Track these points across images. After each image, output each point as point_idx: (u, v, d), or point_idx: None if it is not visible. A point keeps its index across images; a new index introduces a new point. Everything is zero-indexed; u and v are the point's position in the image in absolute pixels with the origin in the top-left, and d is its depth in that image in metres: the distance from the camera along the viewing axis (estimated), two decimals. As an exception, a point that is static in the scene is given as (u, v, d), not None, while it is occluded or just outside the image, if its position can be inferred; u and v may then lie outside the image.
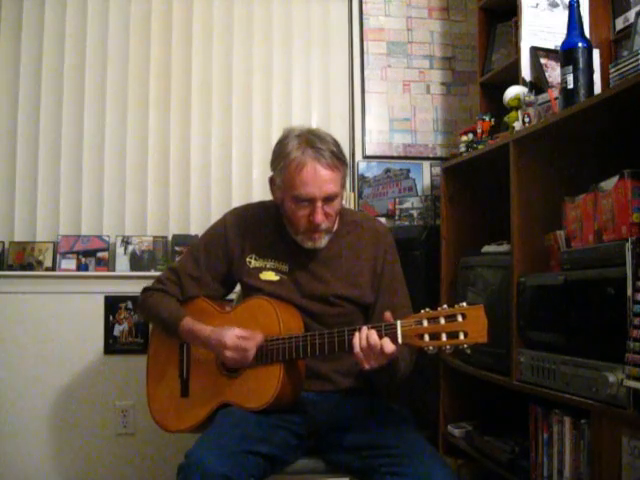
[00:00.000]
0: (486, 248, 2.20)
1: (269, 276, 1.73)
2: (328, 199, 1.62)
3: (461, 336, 1.36)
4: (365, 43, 2.90)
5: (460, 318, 1.37)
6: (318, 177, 1.59)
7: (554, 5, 2.21)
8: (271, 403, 1.58)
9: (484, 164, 2.25)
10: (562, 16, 2.04)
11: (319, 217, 1.62)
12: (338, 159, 1.63)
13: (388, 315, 1.47)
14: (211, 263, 1.78)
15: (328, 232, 1.69)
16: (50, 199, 2.66)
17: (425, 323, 1.40)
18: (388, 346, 1.42)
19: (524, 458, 1.85)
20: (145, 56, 2.75)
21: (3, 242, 2.61)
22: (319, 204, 1.61)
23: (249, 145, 2.81)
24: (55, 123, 2.68)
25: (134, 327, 2.64)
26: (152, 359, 1.84)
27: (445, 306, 1.40)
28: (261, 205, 1.86)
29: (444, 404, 2.36)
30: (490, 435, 2.09)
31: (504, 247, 2.07)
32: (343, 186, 1.69)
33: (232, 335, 1.59)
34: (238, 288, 1.91)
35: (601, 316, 1.50)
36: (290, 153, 1.62)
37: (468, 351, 1.38)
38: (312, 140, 1.62)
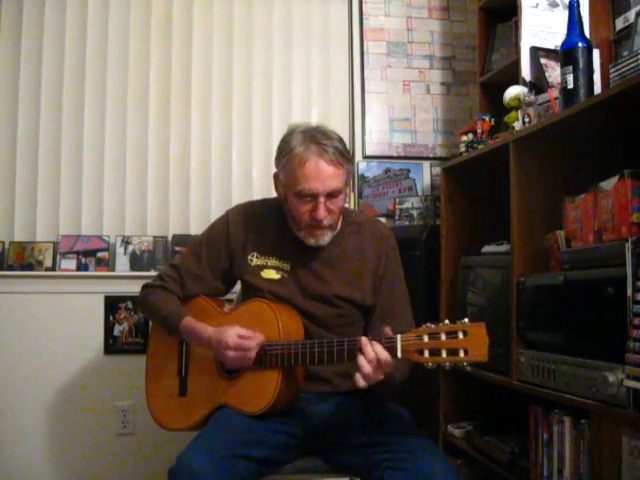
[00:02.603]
0: (486, 248, 2.20)
1: (270, 274, 1.72)
2: (331, 195, 1.61)
3: (461, 354, 1.34)
4: (365, 43, 2.90)
5: (461, 335, 1.35)
6: (321, 172, 1.58)
7: (554, 5, 2.21)
8: (268, 408, 1.57)
9: (484, 164, 2.25)
10: (562, 16, 2.04)
11: (321, 213, 1.60)
12: (342, 155, 1.61)
13: (387, 330, 1.46)
14: (213, 260, 1.77)
15: (331, 229, 1.68)
16: (50, 199, 2.66)
17: (425, 338, 1.38)
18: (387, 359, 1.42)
19: (524, 458, 1.85)
20: (145, 56, 2.75)
21: (3, 242, 2.61)
22: (322, 199, 1.60)
23: (249, 145, 2.80)
24: (55, 123, 2.68)
25: (134, 327, 2.64)
26: (151, 356, 1.83)
27: (447, 322, 1.38)
28: (264, 202, 1.85)
29: (444, 404, 2.36)
30: (490, 435, 2.09)
31: (504, 247, 2.07)
32: (347, 183, 1.68)
33: (233, 334, 1.58)
34: (237, 287, 1.91)
35: (601, 316, 1.50)
36: (293, 148, 1.60)
37: (468, 369, 1.37)
38: (316, 136, 1.61)
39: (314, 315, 1.70)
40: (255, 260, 1.75)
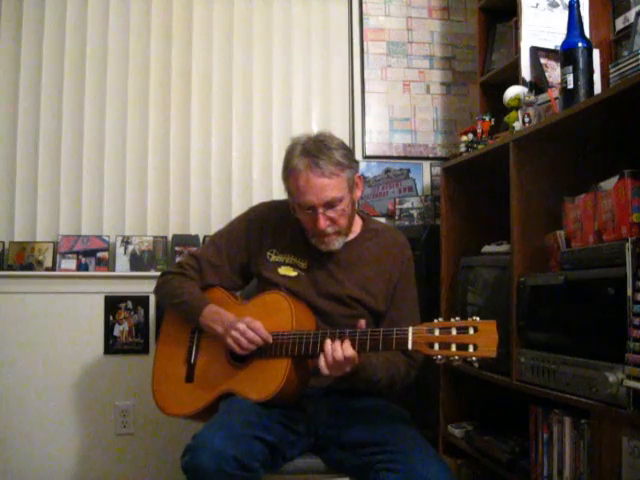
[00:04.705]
0: (486, 248, 2.20)
1: (287, 271, 1.76)
2: (329, 205, 1.64)
3: (470, 348, 1.37)
4: (365, 43, 2.90)
5: (472, 331, 1.38)
6: (313, 186, 1.61)
7: (554, 5, 2.21)
8: (273, 396, 1.58)
9: (484, 164, 2.25)
10: (562, 16, 2.04)
11: (322, 223, 1.64)
12: (337, 165, 1.63)
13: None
14: (232, 253, 1.82)
15: (339, 235, 1.71)
16: (50, 199, 2.66)
17: (436, 332, 1.42)
18: (347, 350, 1.48)
19: (524, 458, 1.86)
20: (145, 56, 2.75)
21: (3, 242, 2.61)
22: (320, 210, 1.63)
23: (249, 145, 2.80)
24: (55, 123, 2.68)
25: (134, 327, 2.63)
26: (162, 344, 1.86)
27: (458, 318, 1.42)
28: (286, 202, 1.86)
29: (444, 404, 2.36)
30: (490, 435, 2.09)
31: (504, 247, 2.07)
32: (350, 189, 1.69)
33: (244, 321, 1.62)
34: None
35: (601, 316, 1.50)
36: (290, 162, 1.66)
37: (476, 365, 1.39)
38: (312, 149, 1.63)
39: (326, 312, 1.73)
40: (274, 257, 1.79)
